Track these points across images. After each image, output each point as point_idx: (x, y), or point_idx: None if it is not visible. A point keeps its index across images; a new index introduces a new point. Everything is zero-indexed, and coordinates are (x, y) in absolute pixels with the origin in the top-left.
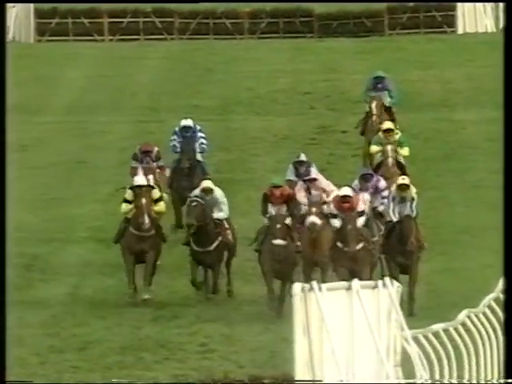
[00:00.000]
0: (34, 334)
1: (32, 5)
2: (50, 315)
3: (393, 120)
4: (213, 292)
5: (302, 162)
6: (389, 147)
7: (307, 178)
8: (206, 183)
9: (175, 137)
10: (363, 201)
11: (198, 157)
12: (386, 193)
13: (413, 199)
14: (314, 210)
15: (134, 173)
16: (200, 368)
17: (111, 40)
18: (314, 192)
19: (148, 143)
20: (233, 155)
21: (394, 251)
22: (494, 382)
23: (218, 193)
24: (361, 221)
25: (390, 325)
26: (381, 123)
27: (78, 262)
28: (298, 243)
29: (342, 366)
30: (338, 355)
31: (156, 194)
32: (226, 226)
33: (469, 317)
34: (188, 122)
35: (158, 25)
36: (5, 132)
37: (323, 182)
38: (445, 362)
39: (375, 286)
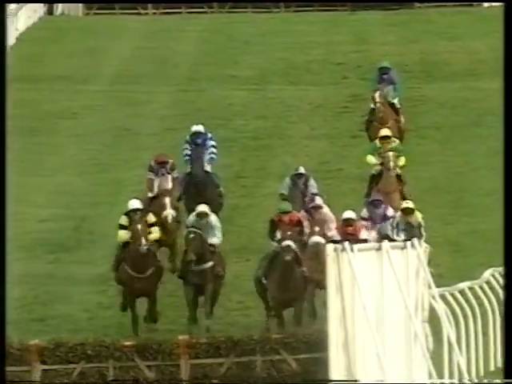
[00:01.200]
0: (82, 292)
1: None
2: (98, 274)
3: (397, 113)
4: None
5: (301, 174)
6: (390, 154)
7: (312, 205)
8: (202, 207)
9: (187, 145)
10: (367, 230)
11: (207, 168)
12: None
13: (420, 225)
14: (317, 228)
15: (150, 184)
16: (237, 324)
17: (154, 13)
18: (311, 191)
19: (164, 154)
20: (269, 123)
21: None
22: (494, 382)
23: (213, 218)
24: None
25: (418, 283)
26: (384, 115)
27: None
28: (304, 269)
29: (372, 321)
30: (368, 311)
31: (151, 218)
32: (220, 260)
33: (493, 275)
34: (199, 128)
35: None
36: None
37: (328, 214)
38: (470, 318)
39: (404, 247)
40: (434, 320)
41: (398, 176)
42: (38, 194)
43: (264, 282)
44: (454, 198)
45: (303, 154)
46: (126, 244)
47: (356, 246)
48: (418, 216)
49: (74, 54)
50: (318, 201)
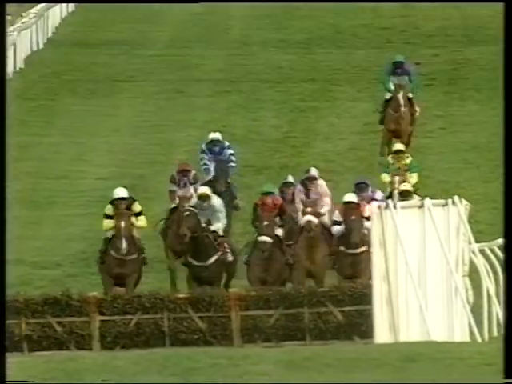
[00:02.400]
0: None
1: None
2: (152, 229)
3: (411, 105)
4: None
5: (290, 183)
6: (396, 179)
7: (307, 175)
8: (203, 189)
9: (204, 155)
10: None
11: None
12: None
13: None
14: (309, 209)
15: (172, 197)
16: None
17: None
18: (312, 196)
19: (185, 163)
20: (317, 85)
21: None
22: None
23: (216, 201)
24: (367, 225)
25: (459, 239)
26: (401, 113)
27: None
28: (288, 257)
29: (414, 276)
30: (411, 266)
31: (137, 207)
32: (226, 245)
33: None
34: (216, 135)
35: None
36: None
37: (323, 187)
38: None
39: (445, 204)
40: (474, 274)
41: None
42: (95, 153)
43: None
44: (493, 157)
45: (349, 116)
46: (111, 239)
47: (399, 204)
48: (416, 198)
49: (130, 20)
50: (314, 172)
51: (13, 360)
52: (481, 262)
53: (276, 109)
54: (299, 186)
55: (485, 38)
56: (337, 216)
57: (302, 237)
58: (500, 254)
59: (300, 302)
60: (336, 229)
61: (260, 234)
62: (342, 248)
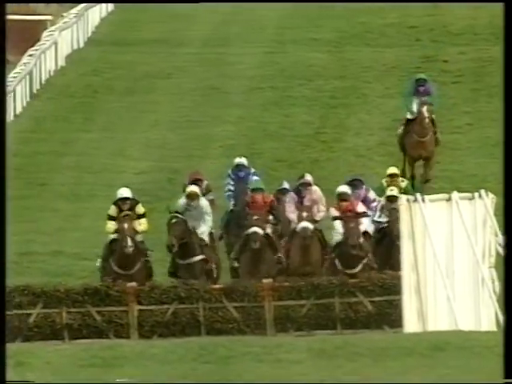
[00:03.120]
0: None
1: None
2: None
3: (434, 125)
4: None
5: (285, 190)
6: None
7: (302, 181)
8: (193, 188)
9: (229, 180)
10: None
11: None
12: (374, 204)
13: (382, 207)
14: (304, 214)
15: None
16: None
17: None
18: (306, 203)
19: (197, 172)
20: (347, 82)
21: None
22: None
23: (204, 202)
24: (364, 224)
25: (485, 231)
26: (424, 132)
27: (213, 176)
28: (280, 254)
29: (442, 266)
30: (439, 257)
31: (140, 209)
32: (211, 254)
33: None
34: (242, 160)
35: None
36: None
37: (317, 192)
38: None
39: (472, 198)
40: (500, 266)
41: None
42: (134, 148)
43: (236, 265)
44: None
45: (378, 112)
46: (112, 241)
47: (427, 197)
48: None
49: (168, 19)
50: (308, 178)
51: (53, 348)
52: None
53: (308, 105)
54: (292, 194)
55: None
56: (333, 212)
57: (297, 242)
58: None
59: (331, 293)
60: (336, 225)
61: (250, 227)
62: (337, 264)
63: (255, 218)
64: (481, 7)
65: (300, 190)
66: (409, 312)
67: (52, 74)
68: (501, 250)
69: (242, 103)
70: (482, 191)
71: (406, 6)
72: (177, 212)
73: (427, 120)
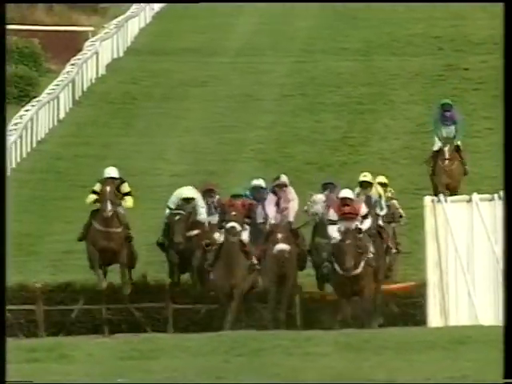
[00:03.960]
0: None
1: None
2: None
3: (460, 154)
4: None
5: (261, 187)
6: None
7: (277, 183)
8: (189, 192)
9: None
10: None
11: None
12: None
13: (380, 197)
14: (279, 236)
15: None
16: None
17: None
18: (282, 205)
19: (210, 183)
20: (374, 89)
21: None
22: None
23: (200, 202)
24: (366, 224)
25: None
26: (451, 166)
27: (245, 178)
28: (254, 261)
29: (464, 264)
30: (460, 255)
31: (126, 188)
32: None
33: None
34: (259, 182)
35: None
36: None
37: (292, 193)
38: None
39: (492, 199)
40: None
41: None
42: (170, 152)
43: (210, 270)
44: None
45: (403, 117)
46: (94, 211)
47: (449, 198)
48: (379, 190)
49: (203, 30)
50: (284, 178)
51: (95, 341)
52: None
53: (336, 111)
54: (271, 195)
55: None
56: (332, 215)
57: (274, 267)
58: None
59: None
60: (331, 229)
61: (228, 222)
62: (336, 267)
63: (233, 213)
64: (500, 18)
65: (275, 190)
66: (432, 307)
67: (93, 81)
68: None
69: (274, 109)
70: (501, 193)
71: (429, 17)
72: (177, 208)
73: (447, 153)
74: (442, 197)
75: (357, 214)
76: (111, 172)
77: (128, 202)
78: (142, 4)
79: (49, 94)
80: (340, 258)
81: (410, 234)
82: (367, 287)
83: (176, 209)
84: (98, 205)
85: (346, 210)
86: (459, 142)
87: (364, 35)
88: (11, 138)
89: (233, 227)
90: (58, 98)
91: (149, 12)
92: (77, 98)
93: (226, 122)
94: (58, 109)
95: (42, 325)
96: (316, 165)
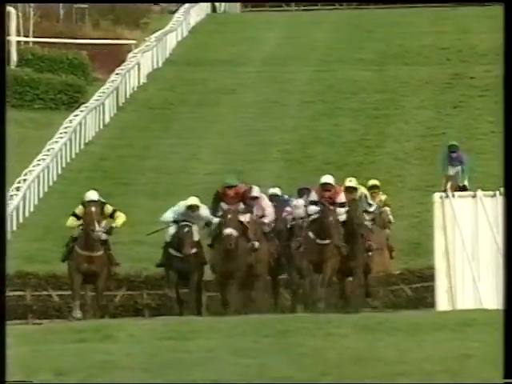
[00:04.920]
0: None
1: None
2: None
3: None
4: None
5: (277, 195)
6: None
7: (250, 196)
8: (193, 200)
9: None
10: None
11: None
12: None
13: (365, 196)
14: (229, 217)
15: None
16: None
17: (296, 10)
18: (257, 213)
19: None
20: (387, 96)
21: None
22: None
23: (204, 211)
24: (341, 212)
25: None
26: None
27: (271, 177)
28: (255, 242)
29: (469, 252)
30: (466, 244)
31: (109, 208)
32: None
33: None
34: (275, 191)
35: None
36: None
37: (265, 200)
38: None
39: (494, 195)
40: None
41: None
42: (204, 152)
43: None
44: None
45: (414, 121)
46: (76, 238)
47: (456, 194)
48: (364, 191)
49: (233, 43)
50: (255, 193)
51: (136, 323)
52: None
53: (353, 116)
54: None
55: None
56: (313, 196)
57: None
58: None
59: (374, 281)
60: (311, 209)
61: (225, 227)
62: (310, 234)
63: (229, 217)
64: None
65: (248, 203)
66: (440, 292)
67: (135, 89)
68: None
69: (296, 114)
70: (502, 189)
71: (438, 31)
72: (185, 220)
73: (449, 192)
74: (449, 193)
75: (335, 199)
76: (91, 196)
77: (119, 219)
78: (178, 19)
79: (95, 100)
80: (317, 229)
81: (420, 226)
82: (330, 261)
83: (183, 220)
84: (78, 229)
85: (326, 194)
86: (466, 182)
87: (378, 47)
88: (61, 141)
89: (229, 235)
90: (103, 104)
91: (185, 27)
92: (120, 104)
93: (253, 126)
94: (104, 114)
95: (90, 309)
96: (335, 164)
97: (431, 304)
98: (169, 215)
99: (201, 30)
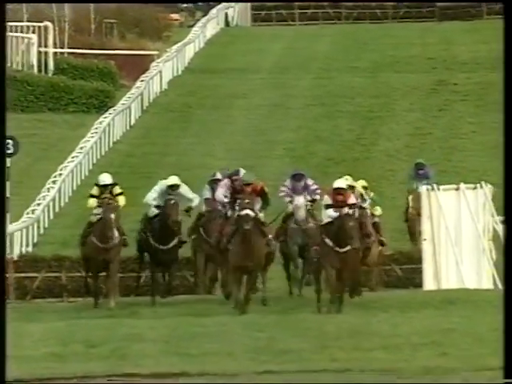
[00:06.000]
0: None
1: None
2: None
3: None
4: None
5: (218, 180)
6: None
7: (213, 178)
8: (174, 179)
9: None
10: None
11: None
12: (317, 196)
13: (361, 195)
14: (246, 206)
15: (207, 201)
16: None
17: (300, 25)
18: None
19: (217, 174)
20: (380, 100)
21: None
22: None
23: (183, 188)
24: (355, 213)
25: (485, 213)
26: (418, 214)
27: (276, 171)
28: (270, 236)
29: (452, 239)
30: (450, 232)
31: (117, 190)
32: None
33: None
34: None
35: (331, 14)
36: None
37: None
38: None
39: (475, 188)
40: (496, 238)
41: (375, 223)
42: (218, 150)
43: (230, 248)
44: None
45: (404, 122)
46: (93, 223)
47: (441, 187)
48: (360, 190)
49: (244, 53)
50: (218, 175)
51: (158, 301)
52: (501, 230)
53: (350, 117)
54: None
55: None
56: (326, 200)
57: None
58: None
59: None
60: (327, 213)
61: (241, 209)
62: (327, 241)
63: (246, 201)
64: (482, 42)
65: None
66: (427, 274)
67: (157, 94)
68: (496, 227)
69: (300, 116)
70: (483, 183)
71: (425, 42)
72: (169, 194)
73: (411, 203)
74: (435, 186)
75: (347, 203)
76: (105, 179)
77: (120, 201)
78: (196, 32)
79: (122, 104)
80: (337, 237)
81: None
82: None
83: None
84: (96, 214)
85: (339, 198)
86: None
87: (372, 57)
88: (92, 140)
89: (246, 215)
90: (129, 107)
91: (202, 39)
92: (144, 107)
93: (261, 126)
94: (130, 116)
95: (118, 289)
96: (334, 160)
97: (419, 284)
98: (151, 195)
99: (216, 42)
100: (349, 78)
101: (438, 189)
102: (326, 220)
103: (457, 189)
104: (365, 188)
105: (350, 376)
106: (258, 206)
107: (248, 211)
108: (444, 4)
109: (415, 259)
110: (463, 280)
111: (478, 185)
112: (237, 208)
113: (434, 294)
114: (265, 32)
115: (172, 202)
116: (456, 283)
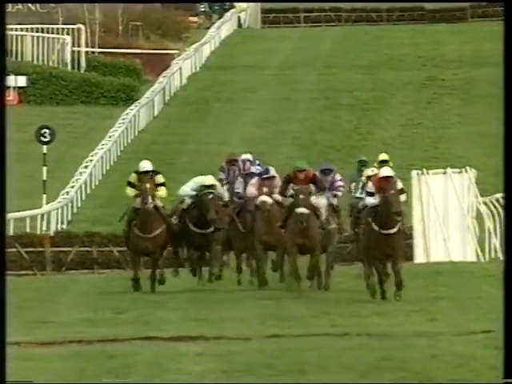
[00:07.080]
0: None
1: (259, 4)
2: None
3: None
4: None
5: (235, 160)
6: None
7: (266, 176)
8: (211, 179)
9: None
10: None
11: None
12: (339, 193)
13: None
14: (265, 189)
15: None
16: None
17: (304, 27)
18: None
19: (233, 153)
20: (376, 93)
21: None
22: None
23: (218, 185)
24: (402, 198)
25: (470, 193)
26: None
27: (285, 157)
28: (323, 219)
29: (440, 218)
30: (438, 212)
31: (160, 179)
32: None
33: None
34: (248, 157)
35: (333, 17)
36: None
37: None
38: (502, 216)
39: (461, 172)
40: (479, 217)
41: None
42: (233, 139)
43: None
44: (494, 141)
45: (397, 114)
46: (136, 209)
47: (430, 171)
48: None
49: (255, 52)
50: (272, 172)
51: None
52: (484, 210)
53: (349, 109)
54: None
55: (487, 63)
56: (370, 188)
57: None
58: (496, 205)
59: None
60: (369, 200)
61: (297, 206)
62: (374, 226)
63: (301, 197)
64: (467, 43)
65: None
66: (417, 249)
67: (178, 89)
68: (480, 207)
69: (305, 108)
70: (468, 167)
71: (416, 42)
72: (210, 187)
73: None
74: (424, 170)
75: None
76: (146, 166)
77: (161, 192)
78: (212, 34)
79: (146, 98)
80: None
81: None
82: (399, 247)
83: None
84: (137, 200)
85: (386, 186)
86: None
87: (369, 55)
88: (120, 129)
89: (302, 213)
90: (153, 100)
91: (217, 39)
92: (166, 100)
93: (271, 118)
94: (153, 108)
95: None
96: (335, 148)
97: (410, 257)
98: (185, 189)
99: (230, 42)
100: (349, 74)
101: (428, 173)
102: (370, 204)
103: (444, 173)
104: (385, 162)
105: (349, 340)
106: (312, 191)
107: (303, 209)
108: (433, 8)
109: (407, 235)
110: (450, 254)
111: (464, 169)
112: (290, 193)
113: (424, 266)
114: (273, 33)
115: (210, 196)
116: (443, 257)
